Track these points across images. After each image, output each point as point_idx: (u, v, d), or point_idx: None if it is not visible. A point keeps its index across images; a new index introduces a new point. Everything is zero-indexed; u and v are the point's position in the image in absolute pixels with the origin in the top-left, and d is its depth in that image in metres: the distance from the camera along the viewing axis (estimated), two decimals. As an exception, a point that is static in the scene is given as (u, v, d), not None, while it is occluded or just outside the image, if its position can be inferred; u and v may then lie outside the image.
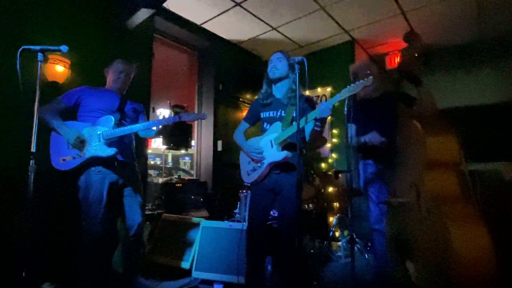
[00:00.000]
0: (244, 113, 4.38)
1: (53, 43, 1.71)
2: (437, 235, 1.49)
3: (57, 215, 2.34)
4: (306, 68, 1.58)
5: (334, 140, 4.32)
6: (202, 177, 4.10)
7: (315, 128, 1.81)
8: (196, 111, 4.25)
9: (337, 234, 3.45)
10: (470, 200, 1.58)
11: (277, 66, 2.03)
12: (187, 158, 4.25)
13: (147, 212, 3.04)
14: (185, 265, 2.56)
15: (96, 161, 2.01)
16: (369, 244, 3.32)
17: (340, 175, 3.61)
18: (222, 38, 4.26)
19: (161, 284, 2.37)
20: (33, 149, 1.62)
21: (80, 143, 1.97)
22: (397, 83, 1.89)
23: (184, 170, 4.10)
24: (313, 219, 3.19)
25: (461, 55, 4.39)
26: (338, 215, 3.45)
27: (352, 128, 2.35)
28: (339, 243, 3.35)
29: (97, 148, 1.99)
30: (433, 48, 4.44)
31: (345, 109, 1.96)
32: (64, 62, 2.46)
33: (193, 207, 3.48)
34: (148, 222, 2.74)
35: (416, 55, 1.80)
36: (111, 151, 2.00)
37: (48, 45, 1.68)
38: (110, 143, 2.03)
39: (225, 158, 4.10)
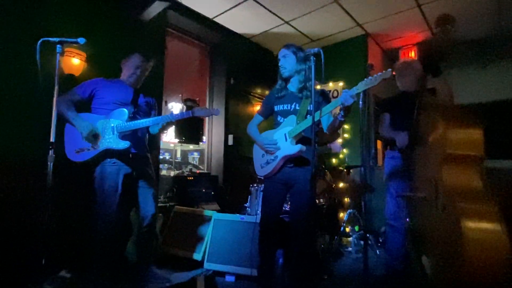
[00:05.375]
0: (255, 108, 4.43)
1: (69, 36, 1.74)
2: (451, 231, 1.47)
3: (73, 205, 2.40)
4: (323, 60, 1.56)
5: (346, 135, 4.28)
6: (213, 171, 4.13)
7: (339, 118, 1.79)
8: (207, 105, 4.27)
9: (347, 229, 3.44)
10: (489, 197, 1.55)
11: (284, 65, 2.00)
12: (195, 154, 4.28)
13: (159, 204, 3.08)
14: (197, 256, 2.60)
15: (111, 153, 2.04)
16: (380, 240, 3.30)
17: (351, 170, 3.59)
18: (234, 32, 4.25)
19: (174, 274, 2.41)
20: (52, 139, 1.65)
21: (93, 137, 2.00)
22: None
23: (193, 165, 4.13)
24: (324, 214, 3.19)
25: (478, 49, 4.28)
26: (349, 210, 3.43)
27: (386, 118, 2.34)
28: (350, 238, 3.34)
29: (111, 140, 2.02)
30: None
31: (360, 102, 1.94)
32: (80, 55, 2.50)
33: (204, 200, 3.51)
34: (160, 214, 2.78)
35: (448, 41, 1.73)
36: (124, 144, 2.02)
37: (64, 37, 1.71)
38: (123, 136, 2.06)
39: (236, 152, 4.12)
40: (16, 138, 2.24)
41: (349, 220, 3.41)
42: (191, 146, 4.11)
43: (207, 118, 4.21)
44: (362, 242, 3.13)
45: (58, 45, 1.69)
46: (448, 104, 1.91)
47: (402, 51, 4.52)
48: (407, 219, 2.07)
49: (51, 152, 1.64)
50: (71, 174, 2.13)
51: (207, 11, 3.78)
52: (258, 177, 2.18)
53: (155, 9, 2.95)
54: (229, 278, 2.41)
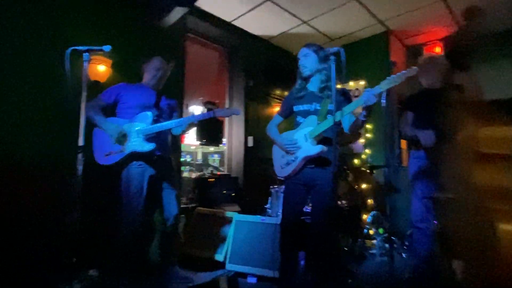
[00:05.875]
0: (275, 109, 4.42)
1: (94, 44, 1.81)
2: (484, 234, 1.39)
3: (101, 206, 2.48)
4: (344, 58, 1.53)
5: (368, 135, 4.18)
6: (233, 172, 4.16)
7: (361, 118, 1.75)
8: (227, 107, 4.31)
9: (371, 232, 3.35)
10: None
11: (304, 64, 1.99)
12: (216, 155, 4.33)
13: (181, 206, 3.14)
14: (219, 257, 2.62)
15: (137, 155, 2.10)
16: (406, 243, 3.19)
17: (375, 171, 3.50)
18: (252, 35, 4.27)
19: (196, 275, 2.44)
20: (80, 143, 1.72)
21: (123, 137, 2.08)
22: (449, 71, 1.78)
23: (213, 167, 4.18)
24: (346, 216, 3.12)
25: (509, 42, 4.04)
26: (372, 212, 3.34)
27: (410, 116, 2.28)
28: (374, 241, 3.24)
29: (137, 143, 2.08)
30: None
31: (383, 101, 1.89)
32: (106, 61, 2.59)
33: (225, 202, 3.54)
34: (182, 215, 2.83)
35: (476, 34, 1.65)
36: (150, 146, 2.08)
37: (90, 46, 1.78)
38: (148, 138, 2.12)
39: (256, 154, 4.13)
40: (47, 142, 2.36)
41: (372, 222, 3.32)
42: (212, 148, 4.16)
43: (227, 120, 4.25)
44: (387, 245, 3.03)
45: (86, 53, 1.77)
46: (478, 100, 1.81)
47: (427, 47, 4.36)
48: (435, 221, 1.99)
49: (80, 155, 1.71)
50: (99, 177, 2.21)
51: (225, 15, 3.82)
52: (278, 178, 2.17)
53: (175, 15, 3.02)
54: (251, 280, 2.41)
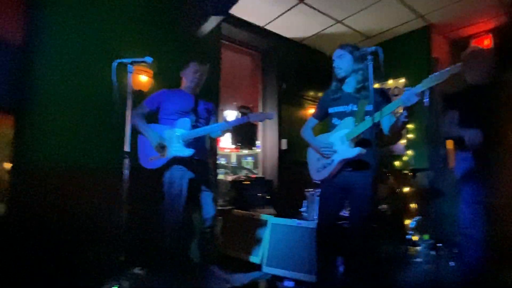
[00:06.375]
0: (309, 111, 4.37)
1: (136, 55, 1.93)
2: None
3: (145, 207, 2.63)
4: (382, 58, 1.48)
5: (410, 135, 3.96)
6: (268, 175, 4.18)
7: (402, 118, 1.68)
8: (261, 111, 4.35)
9: (415, 238, 3.17)
10: None
11: (339, 66, 1.95)
12: (249, 158, 4.38)
13: (218, 208, 3.22)
14: (254, 259, 2.65)
15: (178, 160, 2.21)
16: (454, 250, 2.98)
17: (418, 173, 3.32)
18: (284, 37, 4.27)
19: (234, 276, 2.48)
20: (126, 148, 1.85)
21: (161, 148, 2.20)
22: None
23: (248, 169, 4.24)
24: (387, 221, 2.99)
25: None
26: (416, 217, 3.16)
27: (455, 115, 2.15)
28: (418, 248, 3.07)
29: (177, 149, 2.19)
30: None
31: (426, 99, 1.79)
32: (147, 72, 2.76)
33: (260, 204, 3.58)
34: (220, 217, 2.90)
35: None
36: (189, 152, 2.18)
37: (133, 57, 1.91)
38: (188, 143, 2.22)
39: (290, 157, 4.11)
40: (96, 148, 2.56)
41: (416, 228, 3.15)
42: (245, 151, 4.22)
43: (260, 123, 4.28)
44: (432, 252, 2.86)
45: (130, 65, 1.90)
46: None
47: (474, 40, 4.04)
48: (485, 228, 1.83)
49: (126, 160, 1.84)
50: (144, 180, 2.35)
51: (258, 20, 3.87)
52: (314, 181, 2.14)
53: (210, 24, 3.13)
54: (289, 284, 2.40)
